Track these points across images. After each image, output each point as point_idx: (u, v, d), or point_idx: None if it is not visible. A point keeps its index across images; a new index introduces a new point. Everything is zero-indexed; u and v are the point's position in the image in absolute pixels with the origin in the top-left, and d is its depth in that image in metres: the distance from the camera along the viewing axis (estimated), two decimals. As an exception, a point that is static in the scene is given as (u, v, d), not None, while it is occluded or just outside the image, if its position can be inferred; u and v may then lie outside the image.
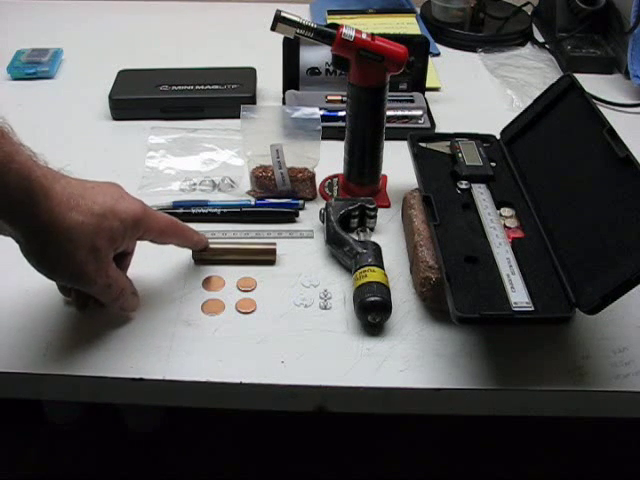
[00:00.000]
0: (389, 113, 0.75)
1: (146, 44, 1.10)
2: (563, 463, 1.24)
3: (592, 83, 0.97)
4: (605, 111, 0.68)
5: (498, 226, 0.63)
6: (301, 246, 0.70)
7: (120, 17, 1.19)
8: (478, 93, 1.01)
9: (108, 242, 0.54)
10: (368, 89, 0.68)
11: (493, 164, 0.71)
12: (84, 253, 0.52)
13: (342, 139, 0.74)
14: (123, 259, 0.61)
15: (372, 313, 0.60)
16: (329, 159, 0.76)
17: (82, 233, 0.52)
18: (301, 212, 0.74)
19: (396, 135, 0.77)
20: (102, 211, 0.53)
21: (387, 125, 0.72)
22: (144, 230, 0.58)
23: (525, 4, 1.20)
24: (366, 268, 0.62)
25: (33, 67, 0.99)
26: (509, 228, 0.63)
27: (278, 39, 0.79)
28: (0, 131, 0.47)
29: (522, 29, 1.15)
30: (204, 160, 0.83)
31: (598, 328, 0.62)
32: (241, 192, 0.78)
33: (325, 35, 0.66)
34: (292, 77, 0.92)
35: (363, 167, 0.74)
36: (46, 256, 0.52)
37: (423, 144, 0.73)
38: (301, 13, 0.68)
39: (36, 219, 0.50)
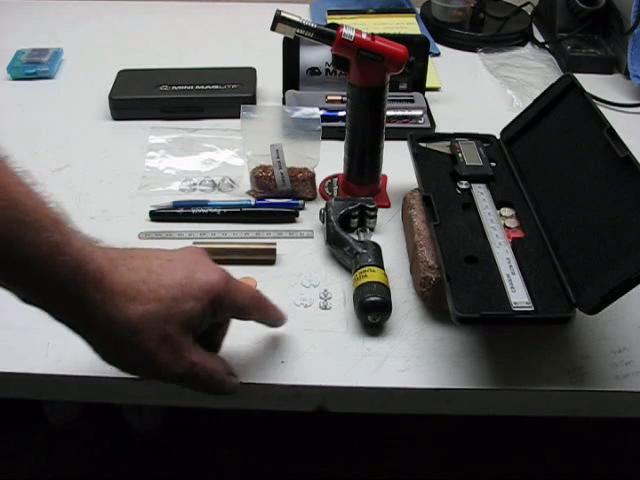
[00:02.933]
0: (389, 113, 0.75)
1: (146, 44, 1.10)
2: (563, 463, 1.24)
3: (592, 83, 0.97)
4: (605, 111, 0.68)
5: (498, 226, 0.63)
6: (301, 246, 0.70)
7: (120, 17, 1.19)
8: (478, 93, 1.01)
9: (182, 327, 0.48)
10: (368, 89, 0.68)
11: (493, 164, 0.71)
12: (154, 344, 0.47)
13: (342, 139, 0.74)
14: (215, 332, 0.54)
15: (372, 313, 0.60)
16: (329, 159, 0.76)
17: (146, 323, 0.46)
18: (301, 212, 0.74)
19: (396, 135, 0.77)
20: (170, 294, 0.47)
21: (387, 125, 0.72)
22: (226, 306, 0.51)
23: (525, 4, 1.20)
24: (366, 268, 0.62)
25: (33, 67, 0.99)
26: (509, 228, 0.63)
27: (278, 39, 0.79)
28: (54, 219, 0.43)
29: (522, 29, 1.15)
30: (204, 160, 0.83)
31: (598, 328, 0.62)
32: (241, 192, 0.78)
33: (325, 35, 0.66)
34: (292, 77, 0.92)
35: (363, 167, 0.74)
36: (108, 351, 0.48)
37: (423, 144, 0.73)
38: (301, 13, 0.68)
39: (87, 314, 0.45)
